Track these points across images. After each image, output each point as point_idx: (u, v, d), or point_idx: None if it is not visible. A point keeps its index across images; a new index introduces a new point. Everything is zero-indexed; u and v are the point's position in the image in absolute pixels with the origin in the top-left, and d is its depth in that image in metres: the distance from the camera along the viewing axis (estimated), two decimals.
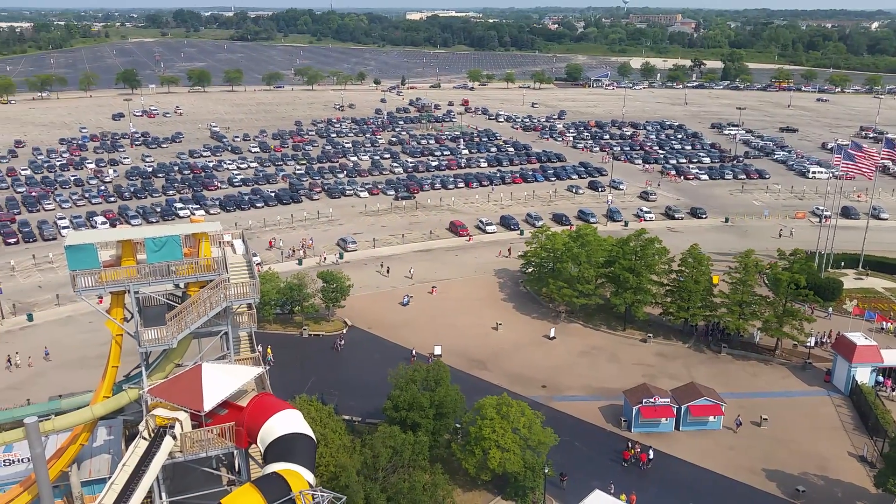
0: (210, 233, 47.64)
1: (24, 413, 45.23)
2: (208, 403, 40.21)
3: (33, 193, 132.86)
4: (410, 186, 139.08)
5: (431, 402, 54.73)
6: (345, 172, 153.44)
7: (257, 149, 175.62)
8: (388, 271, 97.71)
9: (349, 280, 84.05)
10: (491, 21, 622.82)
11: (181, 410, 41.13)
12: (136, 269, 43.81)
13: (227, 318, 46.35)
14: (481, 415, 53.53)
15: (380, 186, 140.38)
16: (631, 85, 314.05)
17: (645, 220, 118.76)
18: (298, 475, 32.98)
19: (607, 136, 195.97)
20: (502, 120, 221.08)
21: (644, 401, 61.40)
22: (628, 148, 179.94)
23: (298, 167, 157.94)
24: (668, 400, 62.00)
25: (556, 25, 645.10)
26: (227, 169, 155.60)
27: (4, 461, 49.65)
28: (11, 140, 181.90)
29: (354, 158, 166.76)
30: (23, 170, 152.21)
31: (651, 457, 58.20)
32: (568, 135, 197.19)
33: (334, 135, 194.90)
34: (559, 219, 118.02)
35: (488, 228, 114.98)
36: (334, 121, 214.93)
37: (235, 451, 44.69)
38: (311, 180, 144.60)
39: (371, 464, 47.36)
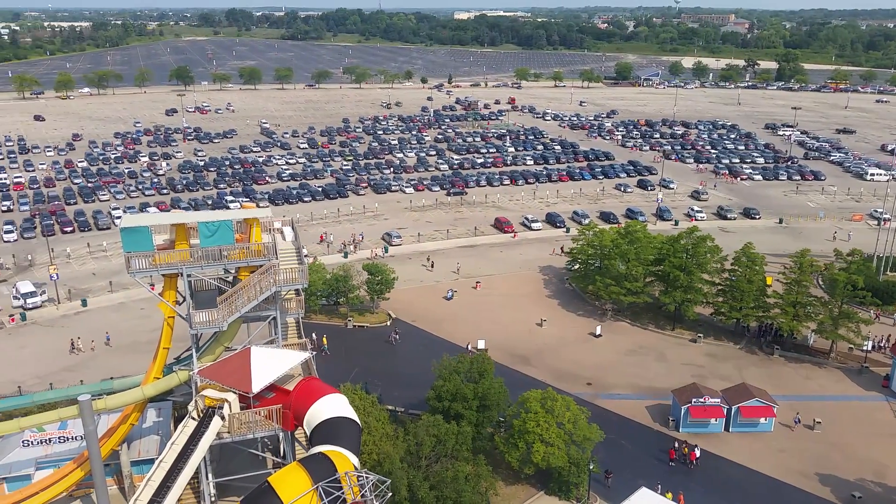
0: (261, 219, 48.16)
1: (77, 392, 46.32)
2: (256, 385, 40.58)
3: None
4: (456, 183, 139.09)
5: (475, 394, 54.42)
6: (391, 169, 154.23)
7: (305, 145, 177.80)
8: (432, 266, 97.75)
9: (394, 273, 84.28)
10: (539, 20, 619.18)
11: (230, 392, 41.61)
12: (188, 253, 44.48)
13: (276, 304, 46.79)
14: (525, 408, 52.98)
15: (425, 183, 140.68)
16: (682, 84, 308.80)
17: (696, 220, 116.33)
18: (344, 457, 32.99)
19: (657, 135, 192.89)
20: (549, 118, 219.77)
21: (693, 400, 60.04)
22: (679, 147, 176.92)
23: (345, 163, 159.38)
24: (719, 400, 60.51)
25: (606, 25, 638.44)
26: (276, 164, 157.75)
27: (59, 438, 50.95)
28: (70, 133, 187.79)
29: (400, 155, 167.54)
30: (79, 162, 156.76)
31: (698, 455, 56.87)
32: (617, 133, 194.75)
33: (381, 132, 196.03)
34: (607, 217, 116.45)
35: (534, 225, 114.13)
36: (381, 118, 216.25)
37: (281, 435, 45.17)
38: (357, 176, 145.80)
39: (414, 451, 47.27)
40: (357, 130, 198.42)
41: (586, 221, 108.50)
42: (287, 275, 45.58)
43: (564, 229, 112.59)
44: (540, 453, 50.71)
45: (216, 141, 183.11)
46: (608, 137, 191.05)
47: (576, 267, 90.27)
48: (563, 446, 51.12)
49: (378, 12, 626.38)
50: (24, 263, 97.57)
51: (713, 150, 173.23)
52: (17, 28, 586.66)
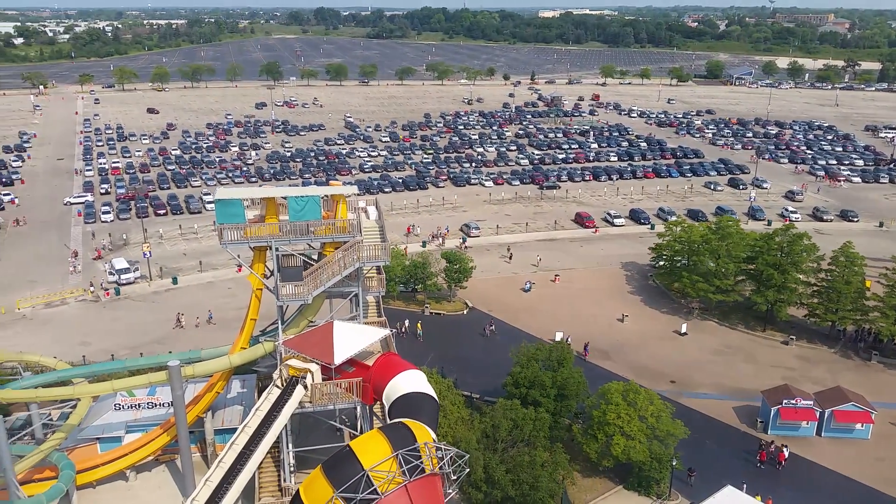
0: (347, 196, 48.67)
1: (167, 359, 47.92)
2: (338, 357, 41.02)
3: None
4: (536, 178, 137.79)
5: (553, 382, 53.37)
6: (470, 163, 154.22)
7: (387, 138, 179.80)
8: (510, 257, 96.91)
9: (472, 261, 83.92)
10: (627, 19, 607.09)
11: (313, 363, 42.21)
12: (277, 227, 45.44)
13: (358, 281, 47.21)
14: (606, 399, 51.58)
15: (505, 177, 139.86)
16: (776, 84, 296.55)
17: (789, 221, 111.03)
18: (424, 428, 32.80)
19: (749, 134, 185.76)
20: (635, 115, 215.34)
21: (784, 401, 57.15)
22: (773, 147, 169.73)
23: (426, 156, 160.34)
24: (811, 403, 57.37)
25: (696, 24, 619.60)
26: (359, 156, 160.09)
27: (148, 404, 52.93)
28: (164, 123, 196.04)
29: (480, 149, 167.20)
30: (173, 150, 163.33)
31: (787, 457, 54.13)
32: (707, 131, 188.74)
33: (461, 127, 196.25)
34: (695, 215, 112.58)
35: (616, 221, 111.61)
36: (462, 114, 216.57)
37: (359, 410, 45.51)
38: (436, 169, 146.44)
39: (490, 434, 46.66)
40: (438, 125, 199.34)
41: (673, 219, 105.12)
42: (370, 251, 45.93)
43: (649, 226, 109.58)
44: (620, 446, 49.25)
45: (302, 133, 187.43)
46: (698, 135, 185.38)
47: (661, 263, 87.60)
48: (645, 440, 49.49)
49: (463, 10, 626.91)
50: (119, 242, 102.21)
51: (808, 151, 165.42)
52: (119, 26, 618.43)
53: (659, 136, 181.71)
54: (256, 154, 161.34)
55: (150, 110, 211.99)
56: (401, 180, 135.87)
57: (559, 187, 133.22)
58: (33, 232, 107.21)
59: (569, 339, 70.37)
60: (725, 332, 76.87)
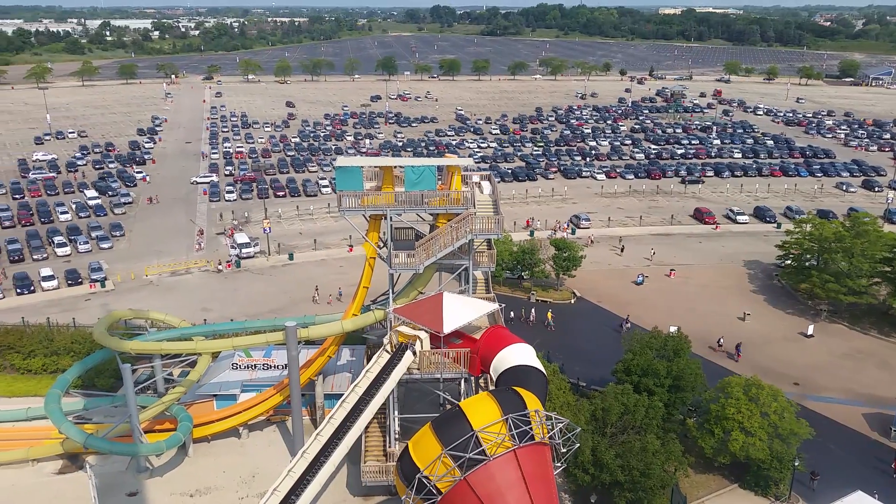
0: (462, 168, 48.38)
1: (284, 322, 49.25)
2: (447, 326, 40.80)
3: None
4: (653, 173, 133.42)
5: (668, 372, 50.99)
6: (582, 156, 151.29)
7: (497, 131, 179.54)
8: (622, 250, 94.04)
9: (583, 250, 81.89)
10: (754, 16, 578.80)
11: (422, 330, 42.17)
12: (393, 196, 45.65)
13: (470, 254, 46.77)
14: (726, 393, 48.73)
15: (618, 170, 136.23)
16: None
17: None
18: (534, 397, 31.89)
19: (887, 136, 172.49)
20: (761, 113, 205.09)
21: None
22: None
23: (536, 149, 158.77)
24: None
25: (829, 22, 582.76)
26: (469, 147, 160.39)
27: (263, 365, 54.72)
28: (285, 113, 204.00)
29: (593, 143, 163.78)
30: (293, 137, 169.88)
31: None
32: (839, 131, 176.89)
33: (574, 121, 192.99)
34: (825, 215, 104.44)
35: (739, 218, 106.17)
36: (575, 108, 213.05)
37: (463, 385, 45.05)
38: (546, 161, 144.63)
39: (600, 418, 45.04)
40: (549, 119, 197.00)
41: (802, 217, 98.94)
42: (483, 224, 45.37)
43: (775, 224, 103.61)
44: (738, 442, 46.37)
45: (414, 125, 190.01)
46: (829, 135, 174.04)
47: (787, 262, 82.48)
48: (766, 438, 46.37)
49: (580, 7, 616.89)
50: (241, 219, 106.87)
51: None
52: (245, 22, 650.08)
53: (787, 134, 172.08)
54: (370, 143, 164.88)
55: (289, 104, 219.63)
56: (510, 171, 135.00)
57: (703, 182, 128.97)
58: (162, 207, 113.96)
59: (720, 341, 67.89)
60: (856, 336, 71.28)
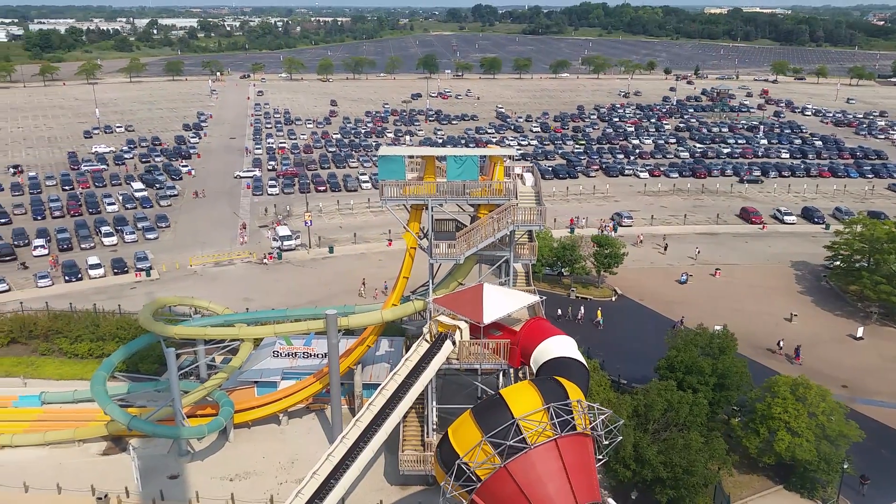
0: (504, 159, 48.02)
1: (325, 310, 49.47)
2: (487, 317, 40.46)
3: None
4: (698, 172, 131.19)
5: (713, 370, 49.87)
6: (625, 154, 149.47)
7: (538, 129, 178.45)
8: (665, 248, 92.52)
9: (624, 247, 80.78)
10: (802, 16, 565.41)
11: (462, 320, 41.94)
12: (435, 186, 45.53)
13: (510, 246, 46.42)
14: (772, 392, 47.47)
15: (662, 168, 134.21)
16: None
17: None
18: (576, 387, 31.32)
19: None
20: (809, 113, 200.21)
21: None
22: None
23: (577, 146, 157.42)
24: None
25: (883, 22, 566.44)
26: (509, 144, 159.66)
27: (303, 354, 55.07)
28: (327, 110, 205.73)
29: (636, 141, 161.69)
30: (334, 134, 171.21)
31: None
32: (892, 133, 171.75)
33: (616, 119, 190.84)
34: (876, 216, 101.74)
35: (787, 219, 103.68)
36: (618, 106, 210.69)
37: (501, 378, 44.68)
38: (588, 158, 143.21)
39: (643, 413, 44.23)
40: (591, 117, 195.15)
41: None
42: (525, 215, 44.95)
43: (823, 225, 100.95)
44: (784, 443, 45.13)
45: (454, 122, 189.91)
46: (881, 136, 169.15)
47: (836, 263, 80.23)
48: (813, 439, 45.05)
49: (623, 6, 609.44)
50: (283, 213, 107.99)
51: None
52: (289, 21, 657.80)
53: (836, 135, 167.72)
54: (410, 140, 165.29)
55: (333, 102, 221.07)
56: (550, 168, 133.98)
57: (762, 181, 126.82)
58: (207, 200, 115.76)
59: (780, 343, 66.38)
60: None
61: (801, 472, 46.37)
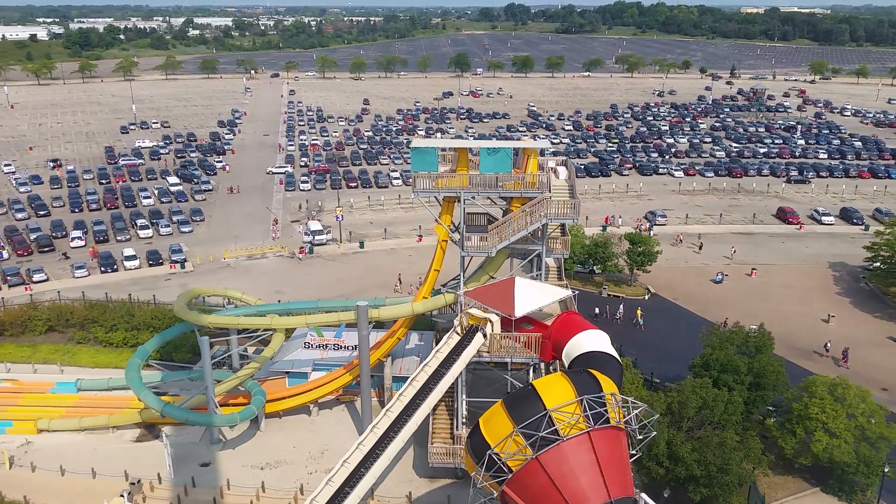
0: (537, 152, 47.62)
1: (356, 302, 49.57)
2: (519, 310, 40.16)
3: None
4: (734, 171, 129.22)
5: (749, 369, 48.89)
6: (659, 152, 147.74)
7: (570, 127, 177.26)
8: (700, 247, 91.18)
9: (658, 245, 79.73)
10: (842, 15, 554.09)
11: (493, 313, 41.66)
12: (467, 179, 45.35)
13: (543, 240, 46.02)
14: (809, 392, 46.39)
15: (697, 167, 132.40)
16: None
17: None
18: (609, 380, 30.87)
19: None
20: (848, 114, 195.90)
21: None
22: None
23: (610, 145, 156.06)
24: None
25: None
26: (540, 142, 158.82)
27: (334, 346, 55.26)
28: (359, 108, 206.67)
29: (670, 140, 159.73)
30: (366, 131, 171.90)
31: None
32: None
33: (650, 118, 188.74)
34: None
35: (824, 219, 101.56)
36: (652, 105, 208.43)
37: (531, 374, 44.29)
38: (621, 157, 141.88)
39: (676, 411, 43.51)
40: (625, 116, 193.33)
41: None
42: (558, 208, 44.55)
43: (862, 226, 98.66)
44: (822, 444, 44.05)
45: (486, 120, 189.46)
46: None
47: (876, 264, 78.31)
48: (852, 441, 43.91)
49: (658, 5, 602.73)
50: (315, 208, 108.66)
51: None
52: (322, 21, 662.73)
53: (877, 136, 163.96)
54: (441, 137, 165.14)
55: (365, 101, 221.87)
56: (582, 167, 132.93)
57: (809, 181, 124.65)
58: (240, 195, 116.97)
59: (827, 345, 64.92)
60: None
61: (838, 475, 45.25)
